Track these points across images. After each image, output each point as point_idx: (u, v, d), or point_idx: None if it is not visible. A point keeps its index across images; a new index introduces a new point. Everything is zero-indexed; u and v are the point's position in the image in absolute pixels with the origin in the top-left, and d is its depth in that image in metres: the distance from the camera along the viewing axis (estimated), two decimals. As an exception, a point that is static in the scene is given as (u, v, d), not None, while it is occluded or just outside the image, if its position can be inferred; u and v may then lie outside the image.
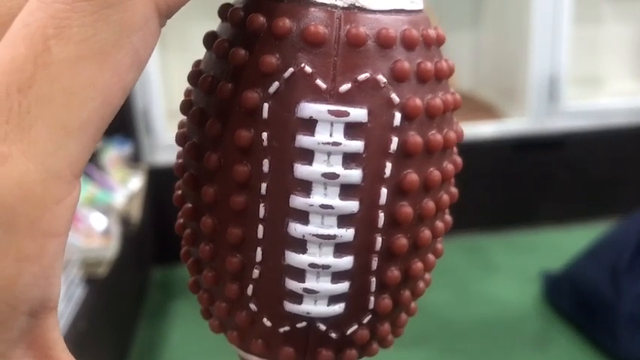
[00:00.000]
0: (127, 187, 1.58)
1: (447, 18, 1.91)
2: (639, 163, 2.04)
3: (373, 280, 0.19)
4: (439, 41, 0.19)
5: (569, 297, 1.50)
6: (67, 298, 1.00)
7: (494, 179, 1.95)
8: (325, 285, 0.18)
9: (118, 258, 1.26)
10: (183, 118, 0.20)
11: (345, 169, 0.17)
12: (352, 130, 0.17)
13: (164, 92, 1.80)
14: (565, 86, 1.96)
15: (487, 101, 2.11)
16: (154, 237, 1.76)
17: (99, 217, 1.30)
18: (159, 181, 1.75)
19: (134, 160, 1.75)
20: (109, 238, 1.27)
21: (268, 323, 0.19)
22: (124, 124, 1.70)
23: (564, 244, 1.82)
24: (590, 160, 2.01)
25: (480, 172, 1.84)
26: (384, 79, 0.17)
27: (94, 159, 1.52)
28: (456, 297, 1.61)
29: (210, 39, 0.19)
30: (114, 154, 1.63)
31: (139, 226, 1.50)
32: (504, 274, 1.74)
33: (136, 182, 1.64)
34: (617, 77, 2.22)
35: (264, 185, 0.18)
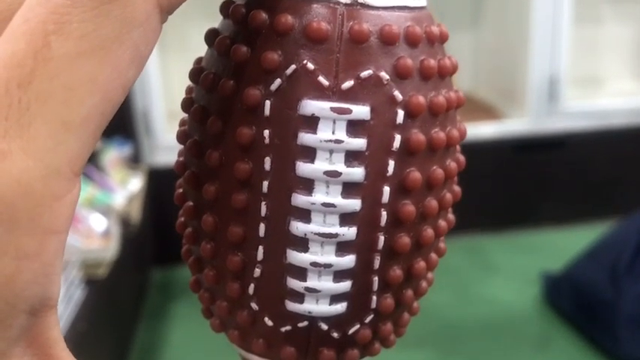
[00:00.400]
0: (126, 188, 1.58)
1: (447, 18, 1.91)
2: (639, 163, 2.04)
3: (375, 279, 0.18)
4: (442, 38, 0.19)
5: (570, 298, 1.50)
6: (67, 299, 1.00)
7: (494, 180, 1.95)
8: (327, 284, 0.18)
9: (118, 259, 1.26)
10: (185, 115, 0.20)
11: (348, 167, 0.17)
12: (355, 127, 0.17)
13: (164, 93, 1.80)
14: (565, 87, 1.96)
15: (487, 102, 2.11)
16: (154, 238, 1.76)
17: (99, 218, 1.30)
18: (159, 182, 1.75)
19: (134, 161, 1.75)
20: (109, 239, 1.27)
21: (269, 322, 0.19)
22: (123, 125, 1.70)
23: (564, 244, 1.82)
24: (590, 160, 2.01)
25: (480, 172, 1.84)
26: (387, 76, 0.17)
27: (93, 160, 1.52)
28: (456, 298, 1.61)
29: (211, 36, 0.19)
30: (114, 155, 1.63)
31: (138, 227, 1.49)
32: (504, 275, 1.74)
33: (135, 183, 1.64)
34: (617, 78, 2.22)
35: (265, 183, 0.17)
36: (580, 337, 1.45)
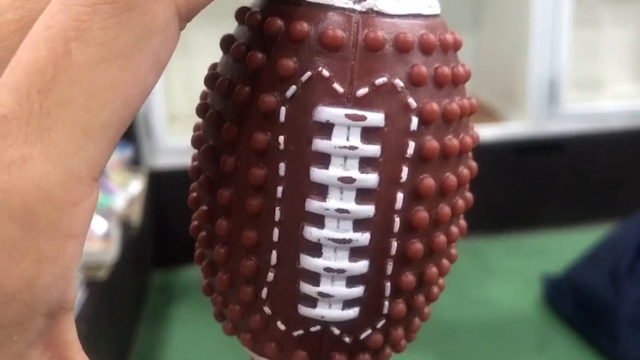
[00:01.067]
0: (127, 191, 1.58)
1: (448, 22, 1.91)
2: (639, 165, 2.04)
3: (388, 284, 0.19)
4: (456, 46, 0.19)
5: (570, 300, 1.50)
6: (68, 302, 1.00)
7: (494, 182, 1.95)
8: (340, 289, 0.18)
9: (118, 261, 1.26)
10: (199, 120, 0.20)
11: (362, 173, 0.17)
12: (369, 134, 0.17)
13: (164, 96, 1.80)
14: (565, 89, 1.97)
15: (487, 105, 2.11)
16: (154, 240, 1.76)
17: (99, 220, 1.30)
18: (159, 184, 1.75)
19: (134, 163, 1.75)
20: (109, 241, 1.27)
21: (282, 327, 0.19)
22: (124, 127, 1.70)
23: (564, 247, 1.82)
24: (590, 162, 2.01)
25: (480, 175, 1.83)
26: (402, 84, 0.17)
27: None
28: (456, 300, 1.61)
29: (227, 42, 0.19)
30: (114, 157, 1.63)
31: (138, 229, 1.49)
32: (505, 278, 1.74)
33: (136, 186, 1.64)
34: (617, 80, 2.23)
35: (280, 189, 0.17)
36: (580, 340, 1.45)
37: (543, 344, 1.46)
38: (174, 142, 1.76)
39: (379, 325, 0.19)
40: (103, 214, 1.33)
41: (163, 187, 1.74)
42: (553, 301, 1.57)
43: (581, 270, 1.50)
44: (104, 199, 1.43)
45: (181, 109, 1.85)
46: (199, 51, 1.73)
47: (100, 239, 1.26)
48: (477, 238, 1.91)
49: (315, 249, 0.18)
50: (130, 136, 1.74)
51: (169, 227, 1.73)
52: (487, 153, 1.93)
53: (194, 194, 0.20)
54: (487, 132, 1.93)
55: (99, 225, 1.29)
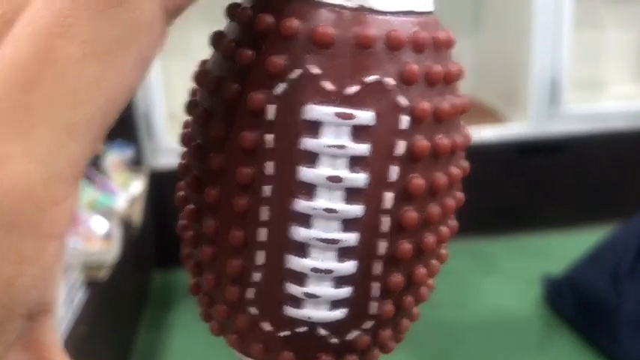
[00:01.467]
0: (128, 191, 1.58)
1: (448, 23, 1.91)
2: (640, 167, 2.04)
3: (376, 285, 0.18)
4: (449, 44, 0.18)
5: (571, 301, 1.50)
6: (68, 302, 1.00)
7: (495, 183, 1.95)
8: (327, 290, 0.18)
9: (119, 262, 1.26)
10: (188, 118, 0.20)
11: (351, 172, 0.17)
12: (358, 133, 0.17)
13: (165, 96, 1.80)
14: (566, 90, 1.96)
15: (488, 105, 2.10)
16: (155, 241, 1.76)
17: (100, 220, 1.30)
18: (160, 184, 1.75)
19: (135, 163, 1.75)
20: (110, 241, 1.27)
21: (268, 327, 0.19)
22: (125, 128, 1.70)
23: (566, 247, 1.81)
24: (592, 163, 2.01)
25: (481, 175, 1.84)
26: (393, 82, 0.17)
27: (95, 162, 1.52)
28: (457, 300, 1.60)
29: (217, 38, 0.19)
30: (115, 157, 1.63)
31: (139, 229, 1.49)
32: (505, 278, 1.74)
33: (137, 186, 1.64)
34: (618, 81, 2.22)
35: (267, 188, 0.17)
36: (581, 340, 1.45)
37: (544, 345, 1.46)
38: (174, 142, 1.75)
39: (367, 326, 0.19)
40: (104, 215, 1.33)
41: (164, 188, 1.74)
42: (554, 302, 1.56)
43: (582, 270, 1.50)
44: (105, 199, 1.43)
45: (182, 109, 1.84)
46: (200, 51, 1.73)
47: (101, 239, 1.26)
48: (478, 238, 1.91)
49: (303, 249, 0.18)
50: (131, 136, 1.74)
51: (170, 227, 1.71)
52: (488, 153, 1.93)
53: (181, 193, 0.20)
54: (488, 132, 1.93)
55: (100, 225, 1.29)
